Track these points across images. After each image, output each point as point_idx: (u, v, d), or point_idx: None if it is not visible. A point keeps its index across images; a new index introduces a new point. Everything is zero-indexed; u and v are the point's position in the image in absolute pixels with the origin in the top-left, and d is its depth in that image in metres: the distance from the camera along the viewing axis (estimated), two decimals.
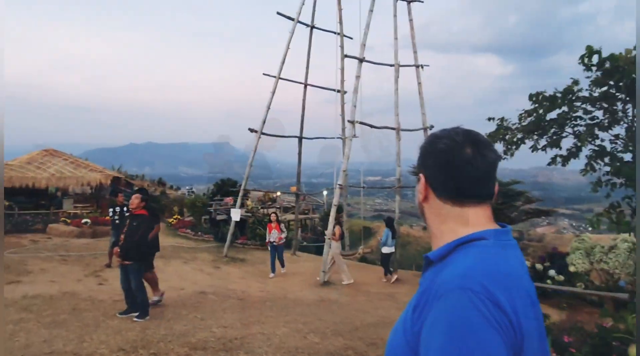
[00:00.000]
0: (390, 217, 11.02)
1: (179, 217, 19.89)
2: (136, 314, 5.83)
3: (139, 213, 6.00)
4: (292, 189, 30.02)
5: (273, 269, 10.44)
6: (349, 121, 10.26)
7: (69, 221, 16.20)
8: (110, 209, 9.98)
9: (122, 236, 5.87)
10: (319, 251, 16.99)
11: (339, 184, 10.34)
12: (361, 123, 10.41)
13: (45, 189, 21.36)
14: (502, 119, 7.94)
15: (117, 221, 9.67)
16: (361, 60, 10.65)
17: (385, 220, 10.95)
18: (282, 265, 10.85)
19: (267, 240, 10.78)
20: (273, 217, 10.89)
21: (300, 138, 14.13)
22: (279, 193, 26.11)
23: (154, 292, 6.74)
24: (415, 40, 12.25)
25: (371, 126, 10.76)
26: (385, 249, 10.39)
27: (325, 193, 26.17)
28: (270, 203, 25.49)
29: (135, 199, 6.03)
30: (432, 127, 12.15)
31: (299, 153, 14.39)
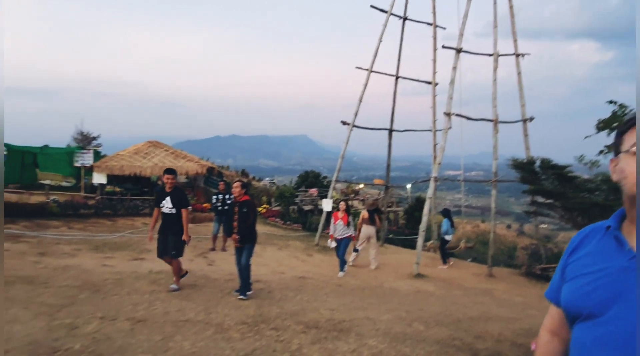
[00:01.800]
0: (447, 208, 12.08)
1: (267, 206, 20.81)
2: (238, 291, 6.24)
3: (244, 200, 6.26)
4: (376, 182, 30.09)
5: (342, 266, 9.01)
6: (445, 114, 10.11)
7: None
8: (214, 197, 10.75)
9: (235, 223, 6.19)
10: (404, 244, 16.96)
11: (434, 177, 10.24)
12: (457, 115, 10.20)
13: (148, 177, 23.45)
14: (621, 106, 7.39)
15: (219, 208, 10.43)
16: (459, 50, 10.42)
17: (442, 212, 11.90)
18: (341, 266, 9.02)
19: (330, 233, 9.23)
20: (342, 205, 9.33)
21: (391, 131, 14.14)
22: (362, 185, 26.31)
23: (176, 280, 6.42)
24: (515, 27, 11.68)
25: (467, 118, 10.50)
26: (447, 237, 11.22)
27: (409, 186, 25.87)
28: (353, 195, 25.77)
29: (236, 188, 6.30)
30: (532, 118, 11.57)
31: (389, 146, 14.40)
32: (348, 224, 9.03)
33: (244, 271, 6.19)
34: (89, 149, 21.58)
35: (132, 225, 13.55)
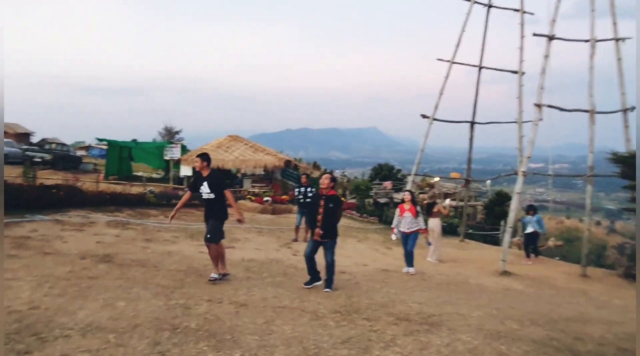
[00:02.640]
0: (533, 204, 12.29)
1: (343, 198, 21.11)
2: (322, 285, 6.23)
3: (332, 194, 6.11)
4: (453, 175, 29.30)
5: (409, 261, 8.31)
6: (535, 105, 9.62)
7: (253, 198, 18.48)
8: (296, 190, 11.12)
9: (320, 217, 6.03)
10: (484, 239, 16.42)
11: (522, 171, 9.83)
12: (550, 106, 9.66)
13: (229, 170, 24.67)
14: None
15: (301, 200, 10.79)
16: (551, 38, 9.83)
17: (528, 207, 11.80)
18: (409, 262, 8.32)
19: (392, 225, 8.53)
20: (407, 196, 8.49)
21: (473, 123, 13.71)
22: (437, 179, 25.71)
23: (221, 268, 6.21)
24: (614, 8, 10.76)
25: (560, 109, 9.90)
26: (535, 231, 11.13)
27: (488, 182, 24.88)
28: (428, 188, 25.31)
29: (325, 180, 6.17)
30: (633, 108, 10.65)
31: (471, 139, 13.97)
32: (417, 216, 8.34)
33: (331, 267, 6.18)
34: (177, 144, 23.21)
35: None
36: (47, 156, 22.96)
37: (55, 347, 3.44)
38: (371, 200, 20.15)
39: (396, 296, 6.37)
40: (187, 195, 6.40)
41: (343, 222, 16.09)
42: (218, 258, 6.06)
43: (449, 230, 11.44)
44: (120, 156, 22.96)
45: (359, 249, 10.66)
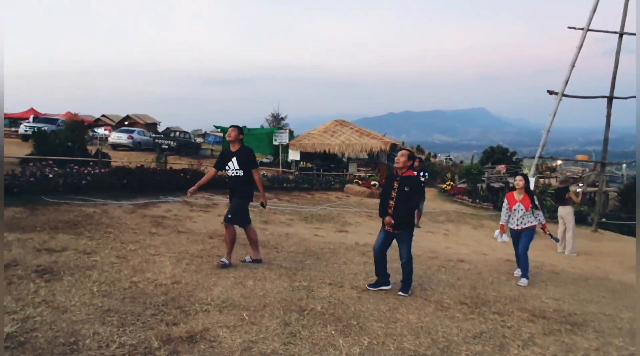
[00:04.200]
0: None
1: (452, 183, 20.15)
2: (388, 288, 5.16)
3: (408, 175, 4.97)
4: (580, 158, 26.42)
5: (525, 270, 6.34)
6: None
7: (360, 182, 18.49)
8: None
9: (392, 202, 4.92)
10: (620, 229, 14.52)
11: None
12: None
13: (335, 154, 24.95)
14: None
15: None
16: None
17: None
18: (524, 271, 6.32)
19: (501, 222, 6.66)
20: (519, 181, 6.48)
21: (611, 98, 12.05)
22: (559, 162, 23.37)
23: (255, 254, 5.79)
24: None
25: None
26: None
27: (624, 165, 21.93)
28: (548, 172, 23.11)
29: (401, 157, 4.99)
30: None
31: (608, 116, 12.30)
32: (532, 209, 6.33)
33: (408, 264, 5.06)
34: (285, 129, 24.05)
35: (328, 199, 14.61)
36: (173, 143, 25.30)
37: (197, 321, 3.67)
38: (484, 185, 18.94)
39: (526, 290, 5.85)
40: (211, 172, 5.85)
41: (454, 207, 15.38)
42: (234, 243, 5.49)
43: (577, 219, 10.19)
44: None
45: (475, 237, 10.06)
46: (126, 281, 4.41)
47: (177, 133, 29.51)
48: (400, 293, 5.02)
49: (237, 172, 5.42)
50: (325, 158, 24.21)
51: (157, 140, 26.42)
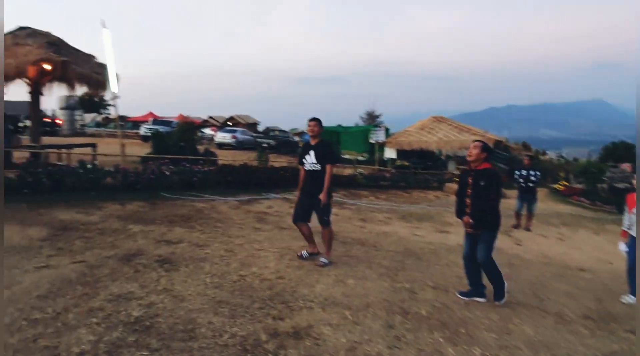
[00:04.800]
0: None
1: (566, 183, 18.37)
2: (480, 297, 4.59)
3: (483, 168, 4.48)
4: None
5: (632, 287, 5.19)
6: None
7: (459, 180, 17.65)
8: (516, 173, 10.01)
9: (468, 200, 4.49)
10: None
11: None
12: None
13: (432, 152, 24.12)
14: None
15: (522, 185, 9.68)
16: None
17: None
18: (632, 286, 5.19)
19: (623, 227, 5.64)
20: None
21: None
22: None
23: (312, 247, 5.52)
24: None
25: None
26: None
27: None
28: None
29: (473, 149, 4.52)
30: None
31: None
32: None
33: (487, 268, 4.50)
34: (382, 127, 23.80)
35: (426, 197, 14.15)
36: (272, 142, 26.39)
37: (302, 316, 3.72)
38: (605, 185, 16.96)
39: None
40: (301, 172, 5.49)
41: (569, 209, 13.98)
42: (329, 240, 5.37)
43: None
44: (330, 140, 24.80)
45: (596, 243, 9.03)
46: (235, 274, 4.63)
47: (277, 132, 30.73)
48: (496, 302, 4.52)
49: (314, 166, 5.20)
50: (422, 156, 23.52)
51: (258, 139, 27.73)
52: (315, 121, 5.28)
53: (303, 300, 4.08)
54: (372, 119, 58.43)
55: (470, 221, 4.42)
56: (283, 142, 27.31)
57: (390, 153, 22.72)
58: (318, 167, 5.17)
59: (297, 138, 36.89)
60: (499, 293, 4.53)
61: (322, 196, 5.12)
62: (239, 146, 27.09)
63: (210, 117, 55.37)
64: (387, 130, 23.87)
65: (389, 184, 15.53)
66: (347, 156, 25.93)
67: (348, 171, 15.55)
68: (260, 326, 3.46)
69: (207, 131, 39.32)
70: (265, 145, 25.79)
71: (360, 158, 25.26)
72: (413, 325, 3.75)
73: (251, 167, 11.94)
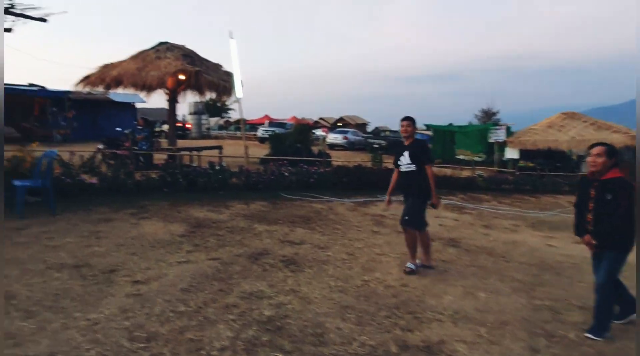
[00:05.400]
0: None
1: None
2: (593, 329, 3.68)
3: (610, 178, 3.65)
4: None
5: None
6: None
7: None
8: None
9: (590, 215, 3.74)
10: None
11: None
12: None
13: (562, 152, 21.82)
14: None
15: None
16: None
17: None
18: None
19: None
20: None
21: None
22: None
23: (425, 259, 5.18)
24: None
25: None
26: None
27: None
28: None
29: (597, 158, 3.65)
30: None
31: None
32: None
33: (601, 293, 3.69)
34: (502, 126, 22.17)
35: (557, 203, 12.78)
36: (383, 143, 26.15)
37: (432, 330, 3.51)
38: None
39: None
40: (395, 173, 5.35)
41: None
42: (416, 246, 5.03)
43: None
44: (443, 140, 23.78)
45: None
46: (358, 279, 4.57)
47: (387, 132, 30.42)
48: (588, 334, 3.62)
49: (409, 167, 4.99)
50: (549, 156, 21.38)
51: (368, 140, 27.70)
52: (408, 120, 5.11)
53: (431, 312, 3.86)
54: (487, 117, 54.91)
55: (592, 241, 3.72)
56: (394, 142, 26.88)
57: (511, 153, 21.01)
58: (413, 167, 4.97)
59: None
60: (598, 328, 3.65)
61: (434, 201, 4.97)
62: (349, 146, 27.33)
63: (321, 118, 56.90)
64: (508, 129, 22.15)
65: (512, 187, 14.36)
66: (462, 157, 24.68)
67: (466, 173, 14.72)
68: (389, 337, 3.33)
69: (318, 132, 40.42)
70: (376, 146, 25.66)
71: (476, 159, 23.84)
72: (562, 351, 3.32)
73: (365, 169, 11.90)
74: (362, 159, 15.26)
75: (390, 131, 31.45)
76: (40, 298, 3.61)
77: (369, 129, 54.28)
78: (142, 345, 2.98)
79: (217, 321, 3.39)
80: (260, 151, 17.23)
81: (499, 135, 20.68)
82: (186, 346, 2.99)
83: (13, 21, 7.67)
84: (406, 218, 4.93)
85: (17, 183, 6.39)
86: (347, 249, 5.69)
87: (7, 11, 7.20)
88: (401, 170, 5.12)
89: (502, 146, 21.16)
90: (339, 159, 15.87)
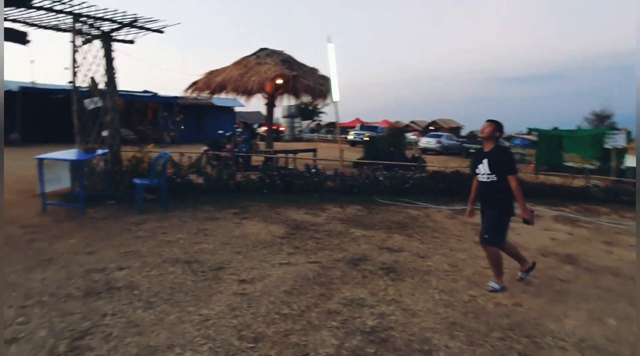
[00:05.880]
0: None
1: None
2: None
3: None
4: None
5: None
6: None
7: None
8: None
9: None
10: None
11: None
12: None
13: None
14: None
15: None
16: None
17: None
18: None
19: None
20: None
21: None
22: None
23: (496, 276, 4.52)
24: None
25: None
26: None
27: None
28: None
29: None
30: None
31: None
32: None
33: None
34: (622, 130, 19.85)
35: None
36: (480, 147, 24.79)
37: None
38: None
39: None
40: (475, 180, 4.83)
41: None
42: (501, 263, 4.49)
43: None
44: (549, 145, 21.93)
45: None
46: (464, 293, 4.28)
47: None
48: None
49: (488, 178, 4.47)
50: None
51: (464, 144, 26.47)
52: (490, 122, 4.58)
53: (552, 337, 3.47)
54: (600, 121, 49.79)
55: None
56: None
57: (631, 161, 18.74)
58: (494, 178, 4.43)
59: (507, 143, 33.94)
60: None
61: (525, 216, 4.38)
62: (443, 151, 26.36)
63: (412, 121, 55.69)
64: (628, 134, 19.77)
65: (631, 199, 12.74)
66: (570, 164, 22.58)
67: (578, 182, 13.37)
68: None
69: (410, 135, 39.57)
70: (472, 151, 24.41)
71: (589, 166, 21.64)
72: None
73: (464, 175, 11.32)
74: (459, 164, 14.59)
75: None
76: (158, 290, 3.87)
77: (463, 133, 52.01)
78: (250, 345, 3.03)
79: (321, 327, 3.35)
80: (352, 155, 17.24)
81: (617, 141, 18.54)
82: (292, 351, 2.99)
83: (136, 33, 8.37)
84: (486, 236, 4.45)
85: (137, 181, 7.00)
86: (449, 260, 5.39)
87: (132, 25, 7.88)
88: (479, 180, 4.64)
89: (621, 152, 18.96)
90: (432, 164, 15.32)
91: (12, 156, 14.91)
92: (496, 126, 4.56)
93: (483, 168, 4.52)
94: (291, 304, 3.74)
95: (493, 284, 4.47)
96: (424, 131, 43.47)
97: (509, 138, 46.61)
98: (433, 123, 53.22)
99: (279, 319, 3.45)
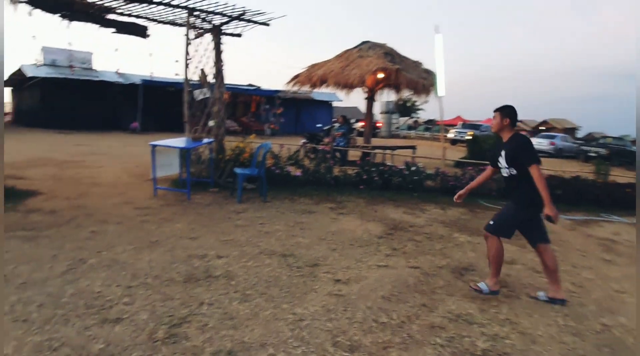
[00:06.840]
0: None
1: None
2: None
3: None
4: None
5: None
6: None
7: None
8: None
9: None
10: None
11: None
12: None
13: None
14: None
15: None
16: None
17: None
18: None
19: None
20: None
21: None
22: None
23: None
24: None
25: None
26: None
27: None
28: None
29: None
30: None
31: None
32: None
33: None
34: None
35: None
36: (603, 151, 22.10)
37: None
38: None
39: None
40: (487, 171, 4.32)
41: None
42: (501, 260, 3.93)
43: None
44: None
45: None
46: (595, 321, 3.63)
47: (609, 139, 25.70)
48: None
49: (508, 171, 3.87)
50: None
51: (581, 147, 23.82)
52: (497, 112, 3.92)
53: None
54: None
55: None
56: (617, 151, 22.49)
57: None
58: (513, 171, 3.81)
59: (634, 147, 29.92)
60: None
61: (548, 212, 3.61)
62: (557, 153, 23.98)
63: (520, 121, 51.69)
64: None
65: None
66: None
67: None
68: None
69: None
70: (592, 154, 21.87)
71: None
72: None
73: (586, 181, 10.04)
74: (579, 169, 13.04)
75: (613, 138, 26.48)
76: (254, 282, 3.80)
77: (579, 134, 47.11)
78: (345, 353, 2.80)
79: (423, 343, 3.01)
80: (453, 154, 16.31)
81: None
82: None
83: (243, 27, 8.55)
84: (491, 222, 3.95)
85: (238, 170, 7.16)
86: (573, 279, 4.68)
87: (240, 18, 8.04)
88: (502, 174, 4.01)
89: None
90: (544, 167, 13.87)
91: (133, 142, 16.42)
92: (503, 113, 3.89)
93: (502, 161, 3.92)
94: (390, 312, 3.44)
95: (482, 285, 3.94)
96: (533, 132, 40.07)
97: (634, 141, 41.19)
98: (544, 123, 48.90)
99: (377, 328, 3.17)
